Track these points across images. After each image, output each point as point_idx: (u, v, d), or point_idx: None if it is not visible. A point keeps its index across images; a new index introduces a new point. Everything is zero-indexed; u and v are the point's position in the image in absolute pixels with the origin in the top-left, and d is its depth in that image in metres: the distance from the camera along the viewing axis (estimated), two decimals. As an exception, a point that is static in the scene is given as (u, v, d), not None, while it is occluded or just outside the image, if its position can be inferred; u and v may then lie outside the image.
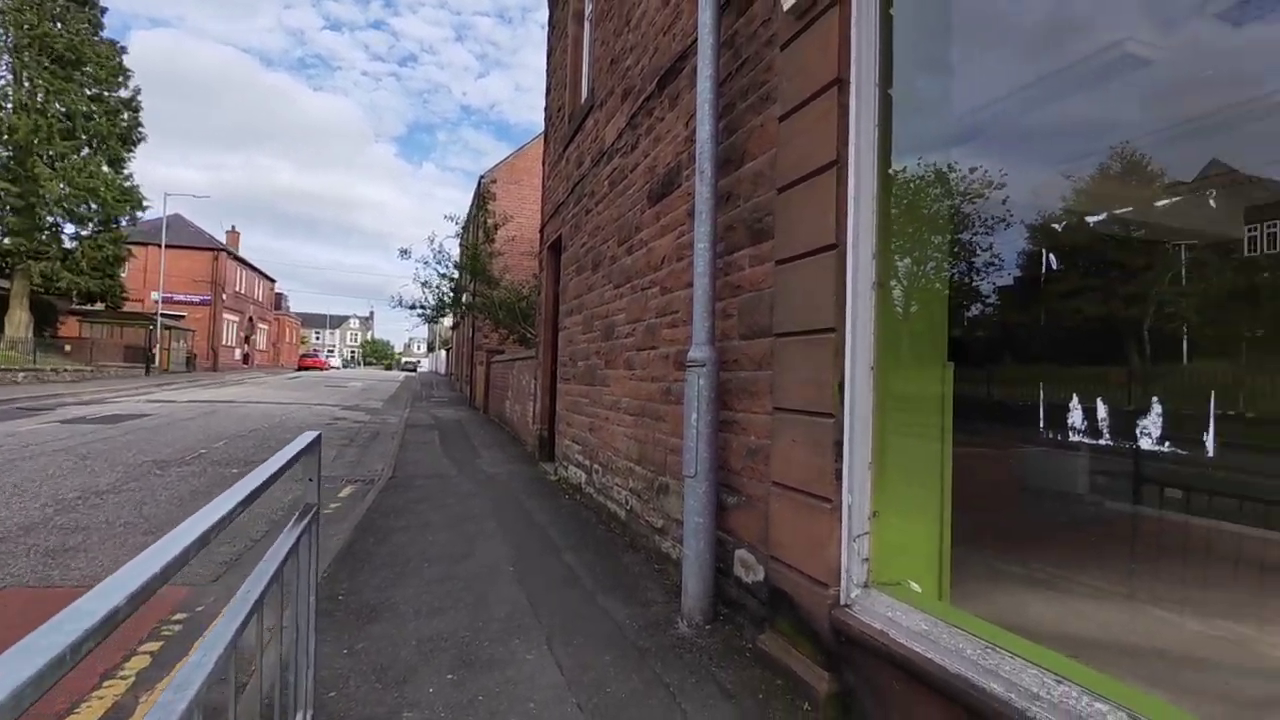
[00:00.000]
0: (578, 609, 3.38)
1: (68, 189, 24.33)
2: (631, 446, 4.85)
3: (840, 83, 2.56)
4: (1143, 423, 2.47)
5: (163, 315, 32.83)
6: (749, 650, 2.90)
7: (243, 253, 48.35)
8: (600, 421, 5.72)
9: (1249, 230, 3.36)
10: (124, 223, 27.56)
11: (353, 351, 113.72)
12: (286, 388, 26.17)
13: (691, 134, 3.91)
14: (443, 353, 54.04)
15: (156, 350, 31.69)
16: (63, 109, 24.82)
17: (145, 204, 28.05)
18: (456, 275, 20.62)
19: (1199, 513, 3.23)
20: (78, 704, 2.53)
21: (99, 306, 29.51)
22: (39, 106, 24.03)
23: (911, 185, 2.93)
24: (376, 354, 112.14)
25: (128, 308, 31.31)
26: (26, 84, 24.05)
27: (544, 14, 9.84)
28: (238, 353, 45.87)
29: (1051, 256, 4.09)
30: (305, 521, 1.89)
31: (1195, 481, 3.27)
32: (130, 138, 27.39)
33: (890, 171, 2.63)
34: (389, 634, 3.00)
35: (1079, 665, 1.83)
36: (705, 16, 3.34)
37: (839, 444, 2.50)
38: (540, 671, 2.68)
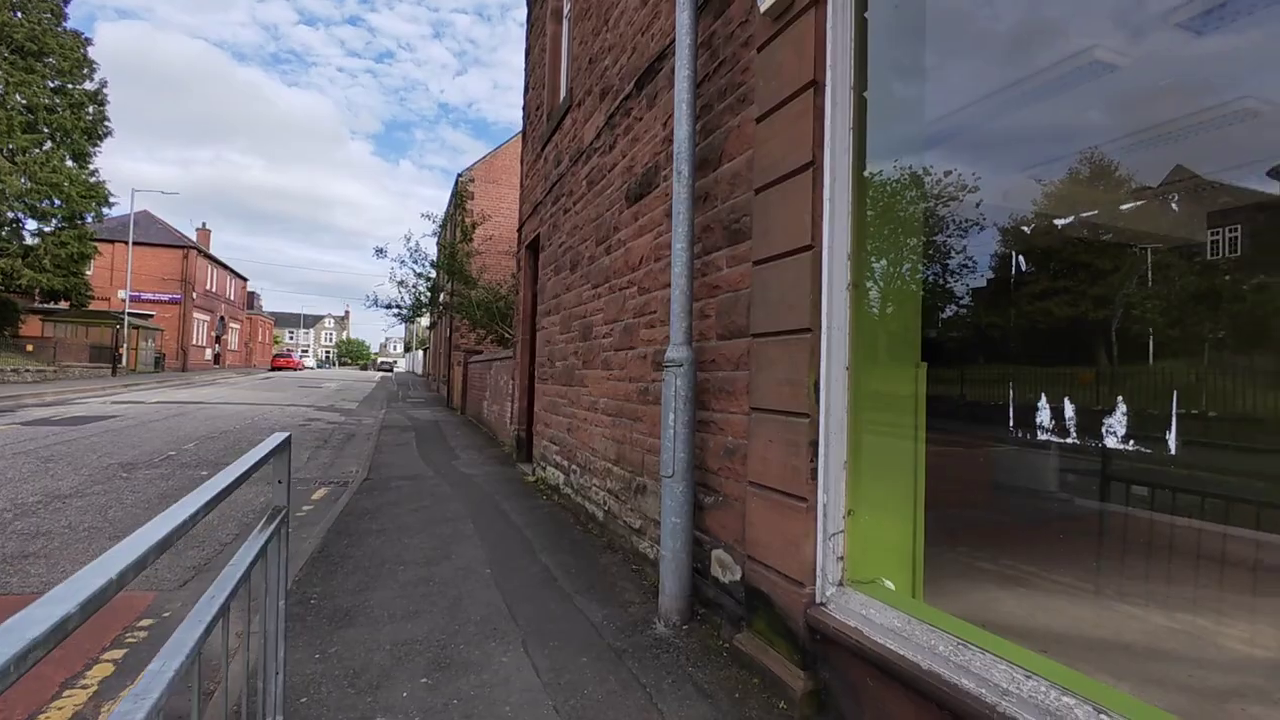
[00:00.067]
0: (555, 611, 3.36)
1: (29, 184, 23.60)
2: (609, 447, 4.84)
3: (816, 85, 2.58)
4: (1108, 421, 2.53)
5: (130, 314, 32.01)
6: (726, 650, 2.91)
7: (214, 250, 47.35)
8: (578, 422, 5.70)
9: (1211, 234, 3.46)
10: (89, 219, 26.79)
11: (327, 352, 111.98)
12: (259, 388, 25.69)
13: (669, 134, 3.91)
14: (420, 353, 53.48)
15: (124, 350, 30.89)
16: (24, 101, 24.05)
17: (112, 200, 27.30)
18: (433, 274, 20.43)
19: (1163, 509, 3.32)
20: (36, 715, 2.45)
21: (63, 305, 28.68)
22: (-2, 98, 23.28)
23: (888, 188, 2.97)
24: (352, 354, 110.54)
25: (94, 306, 30.45)
26: (-15, 75, 23.29)
27: (523, 12, 9.79)
28: (208, 353, 44.91)
29: (1021, 259, 4.16)
30: (274, 525, 1.85)
31: (1159, 479, 3.36)
32: (95, 132, 26.64)
33: (865, 174, 2.65)
34: (362, 638, 2.96)
35: (1048, 660, 1.86)
36: (683, 17, 3.35)
37: (814, 444, 2.51)
38: (516, 674, 2.66)
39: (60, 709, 2.51)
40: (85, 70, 26.22)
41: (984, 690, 1.80)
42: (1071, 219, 3.93)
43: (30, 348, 26.56)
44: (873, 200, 2.83)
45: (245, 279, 56.79)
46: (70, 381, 23.40)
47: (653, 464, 3.96)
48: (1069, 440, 2.69)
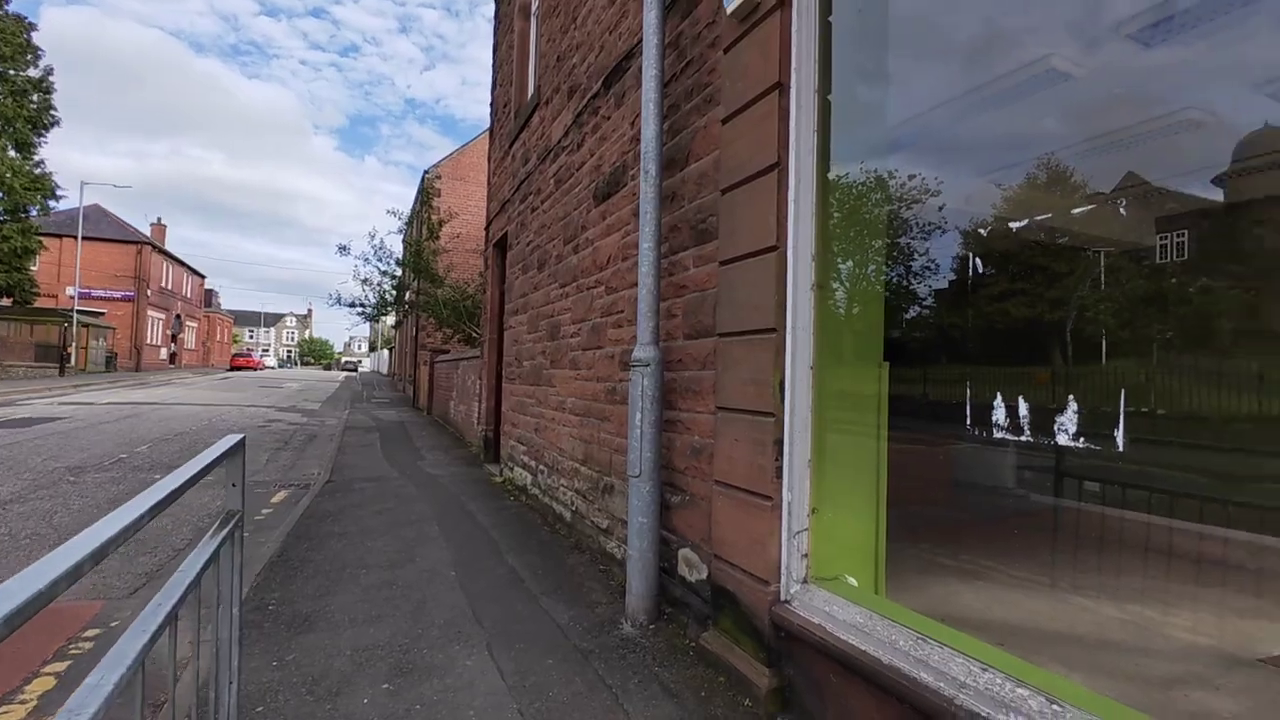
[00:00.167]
0: (521, 612, 3.33)
1: (-33, 174, 22.54)
2: (577, 447, 4.81)
3: (781, 87, 2.60)
4: (1060, 420, 2.60)
5: (79, 312, 30.75)
6: (693, 649, 2.91)
7: (170, 246, 45.78)
8: (546, 422, 5.66)
9: (1160, 239, 3.59)
10: (34, 212, 25.67)
11: (289, 351, 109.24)
12: (217, 388, 24.95)
13: (637, 134, 3.91)
14: (385, 352, 52.53)
15: (72, 349, 29.68)
16: (-39, 88, 22.97)
17: (59, 193, 26.22)
18: (399, 272, 20.10)
19: (1114, 504, 3.43)
20: (-29, 732, 2.34)
21: (5, 302, 27.43)
22: (-67, 85, 22.17)
23: (853, 190, 3.01)
24: (315, 353, 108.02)
25: (40, 304, 29.21)
26: (-81, 60, 22.16)
27: (491, 7, 9.69)
28: (164, 352, 43.43)
29: (978, 261, 4.26)
30: (228, 529, 1.79)
31: (1109, 475, 3.47)
32: (41, 121, 25.52)
33: (830, 176, 2.68)
34: (322, 644, 2.89)
35: (1004, 653, 1.90)
36: (650, 17, 3.34)
37: (779, 442, 2.53)
38: (480, 677, 2.63)
39: (-3, 725, 2.40)
40: (29, 56, 25.10)
41: (942, 683, 1.83)
42: (1031, 223, 4.03)
43: (-30, 346, 25.37)
44: (839, 202, 2.87)
45: (203, 276, 55.07)
46: (14, 382, 22.41)
47: (620, 464, 3.95)
48: (1023, 438, 2.76)
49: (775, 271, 2.57)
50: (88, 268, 34.14)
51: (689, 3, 3.42)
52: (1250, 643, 2.55)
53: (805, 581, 2.52)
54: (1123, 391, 2.90)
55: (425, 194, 22.70)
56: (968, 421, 2.90)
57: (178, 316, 46.34)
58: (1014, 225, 4.10)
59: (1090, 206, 3.74)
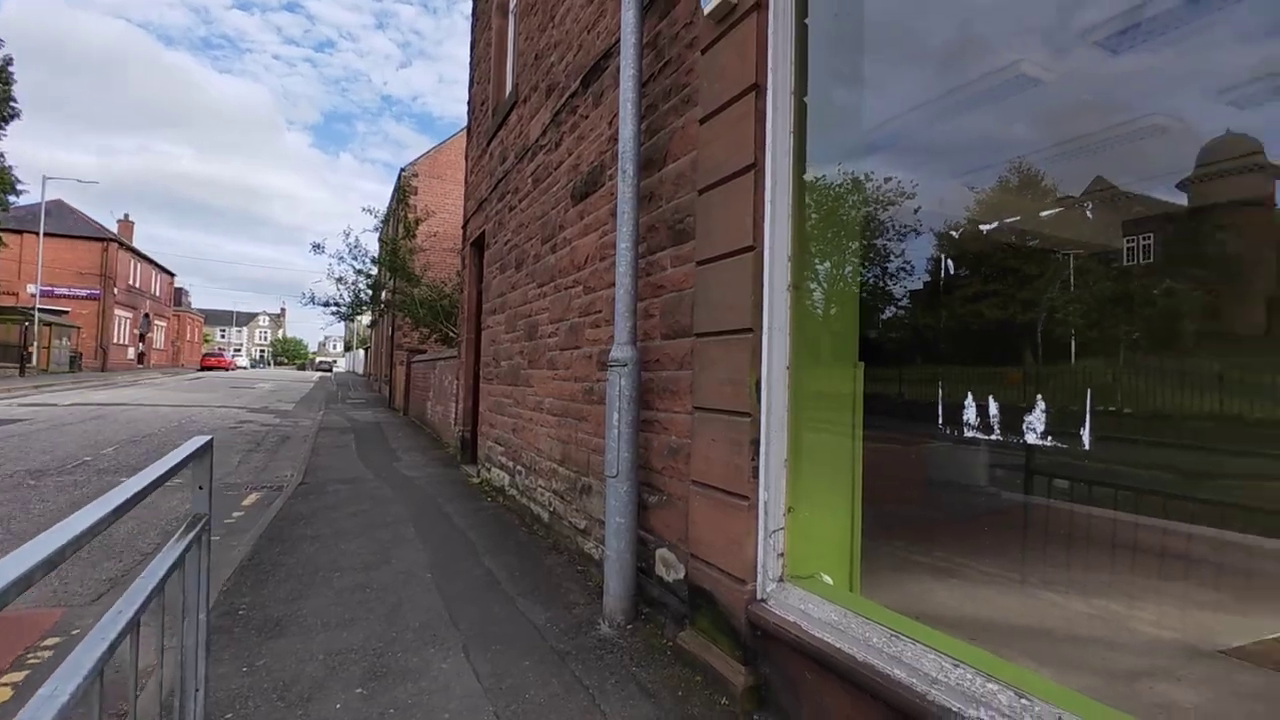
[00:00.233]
0: (498, 614, 3.30)
1: (-79, 167, 21.77)
2: (555, 447, 4.79)
3: (758, 88, 2.61)
4: (1028, 419, 2.65)
5: (41, 310, 29.87)
6: (670, 648, 2.91)
7: (138, 244, 44.69)
8: (524, 422, 5.63)
9: (1127, 242, 3.67)
10: (-7, 207, 24.89)
11: (262, 350, 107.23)
12: (187, 389, 24.42)
13: (615, 133, 3.90)
14: (360, 352, 51.82)
15: (34, 349, 28.83)
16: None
17: (20, 187, 25.42)
18: (375, 271, 19.84)
19: (1081, 500, 3.51)
20: (-77, 745, 2.26)
21: (-38, 300, 26.58)
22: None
23: (831, 192, 3.03)
24: (289, 353, 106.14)
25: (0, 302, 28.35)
26: None
27: (469, 4, 9.60)
28: (131, 351, 42.37)
29: (950, 262, 4.32)
30: (194, 533, 1.75)
31: (1078, 473, 3.54)
32: (0, 113, 24.77)
33: (806, 177, 2.70)
34: (294, 649, 2.84)
35: (975, 648, 1.93)
36: (628, 16, 3.34)
37: (756, 442, 2.55)
38: (456, 680, 2.60)
39: (-48, 737, 2.32)
40: (-13, 45, 24.31)
41: (915, 680, 1.85)
42: (1003, 225, 4.10)
43: (-75, 346, 24.52)
44: (816, 204, 2.89)
45: (173, 274, 53.84)
46: (-27, 382, 21.71)
47: (598, 464, 3.94)
48: (994, 437, 2.81)
49: (752, 272, 2.58)
50: (51, 265, 33.20)
51: (667, 3, 3.42)
52: (1211, 635, 2.62)
53: (781, 580, 2.53)
54: (1089, 391, 2.96)
55: (402, 192, 22.44)
56: (940, 421, 2.94)
57: (146, 315, 45.25)
58: (985, 228, 4.17)
59: (1059, 209, 3.82)
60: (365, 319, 29.19)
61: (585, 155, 4.47)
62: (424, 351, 15.64)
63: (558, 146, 5.05)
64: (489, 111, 7.82)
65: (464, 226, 9.21)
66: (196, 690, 1.83)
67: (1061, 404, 3.04)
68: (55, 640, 3.09)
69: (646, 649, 2.92)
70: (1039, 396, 2.77)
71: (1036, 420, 2.60)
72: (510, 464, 6.01)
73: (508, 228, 6.52)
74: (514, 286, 6.15)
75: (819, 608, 2.32)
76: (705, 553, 2.78)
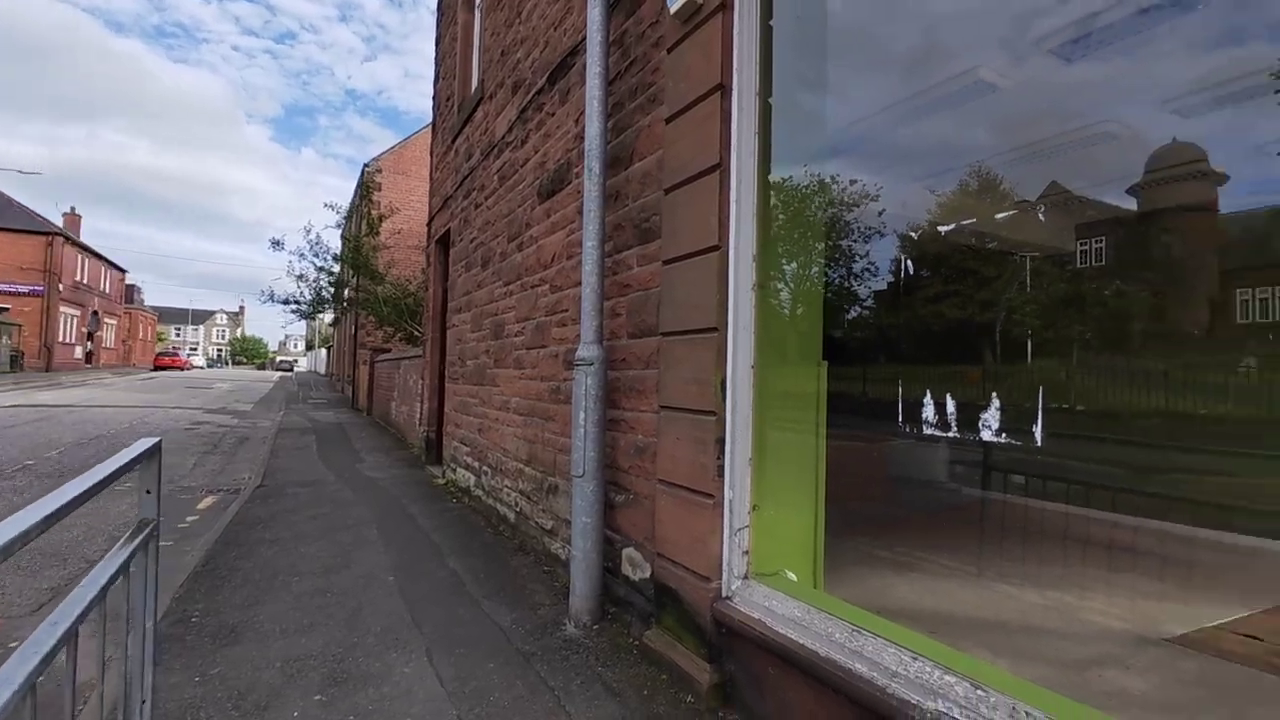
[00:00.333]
0: (462, 616, 3.26)
1: None
2: (521, 447, 4.75)
3: (723, 89, 2.62)
4: (984, 416, 2.72)
5: (-19, 307, 28.54)
6: (636, 647, 2.91)
7: (86, 238, 42.94)
8: (490, 422, 5.57)
9: (1080, 245, 3.79)
10: (-71, 199, 23.66)
11: (219, 350, 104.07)
12: (139, 390, 23.56)
13: (581, 131, 3.88)
14: (323, 351, 50.66)
15: (-27, 347, 27.52)
16: None
17: (-42, 178, 24.26)
18: (337, 269, 19.42)
19: (1036, 495, 3.61)
20: None
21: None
22: None
23: (797, 193, 3.06)
24: (248, 352, 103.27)
25: (-65, 298, 26.97)
26: None
27: (433, -1, 9.46)
28: (79, 350, 40.71)
29: (912, 264, 4.41)
30: (140, 539, 1.69)
31: (1032, 468, 3.64)
32: (-62, 101, 23.55)
33: (772, 178, 2.72)
34: (250, 656, 2.76)
35: (933, 642, 1.97)
36: (594, 14, 3.32)
37: (721, 441, 2.56)
38: (419, 685, 2.56)
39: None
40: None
41: (875, 673, 1.88)
42: (956, 227, 4.20)
43: None
44: (783, 204, 2.91)
45: (124, 270, 51.87)
46: (-95, 383, 20.61)
47: (565, 464, 3.91)
48: (952, 434, 2.87)
49: (717, 271, 2.59)
50: (-9, 260, 31.71)
51: (633, 1, 3.42)
52: (1158, 624, 2.72)
53: (746, 578, 2.55)
54: (1041, 389, 3.05)
55: (365, 188, 21.98)
56: (901, 419, 2.99)
57: (95, 313, 43.51)
58: (945, 230, 4.27)
59: (1016, 213, 3.92)
60: (327, 317, 28.56)
61: (552, 153, 4.44)
62: (388, 350, 15.36)
63: (524, 144, 5.00)
64: (454, 107, 7.71)
65: (429, 224, 9.07)
66: (143, 702, 1.76)
67: (1017, 402, 3.13)
68: (-7, 652, 2.95)
69: (612, 648, 2.91)
70: (994, 394, 2.84)
71: (992, 418, 2.67)
72: (476, 464, 5.94)
73: (474, 225, 6.44)
74: (480, 285, 6.07)
75: (783, 604, 2.34)
76: (671, 551, 2.78)
